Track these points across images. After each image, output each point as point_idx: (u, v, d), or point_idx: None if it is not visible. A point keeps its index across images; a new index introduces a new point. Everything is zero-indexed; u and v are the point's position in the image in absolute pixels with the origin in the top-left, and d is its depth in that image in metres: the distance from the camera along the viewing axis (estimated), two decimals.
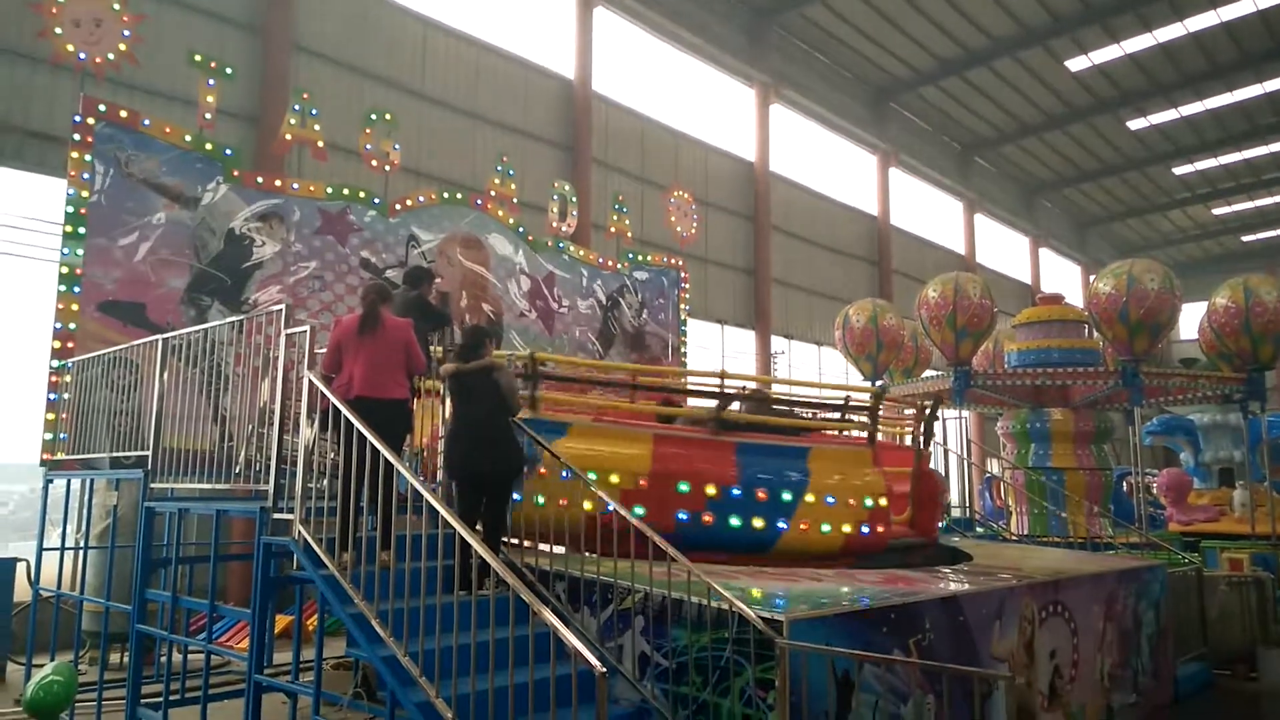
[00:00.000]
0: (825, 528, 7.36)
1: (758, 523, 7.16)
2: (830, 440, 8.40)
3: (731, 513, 7.11)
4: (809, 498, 7.35)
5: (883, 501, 7.71)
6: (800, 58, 25.52)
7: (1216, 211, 39.63)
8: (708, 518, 7.03)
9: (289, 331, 5.72)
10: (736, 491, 7.16)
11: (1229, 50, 26.28)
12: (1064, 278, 40.63)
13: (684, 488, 7.03)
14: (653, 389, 9.19)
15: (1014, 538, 13.71)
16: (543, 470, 6.57)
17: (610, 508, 5.66)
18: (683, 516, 6.94)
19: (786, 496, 7.30)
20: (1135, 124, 31.15)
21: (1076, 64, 26.87)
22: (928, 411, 9.00)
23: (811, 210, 26.49)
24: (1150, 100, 29.38)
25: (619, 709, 5.11)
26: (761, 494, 7.21)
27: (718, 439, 7.48)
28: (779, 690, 4.44)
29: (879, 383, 16.52)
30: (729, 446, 7.44)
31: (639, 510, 6.37)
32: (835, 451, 7.97)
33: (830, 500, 7.41)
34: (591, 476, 6.21)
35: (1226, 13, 24.09)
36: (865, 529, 7.55)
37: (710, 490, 7.10)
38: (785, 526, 7.24)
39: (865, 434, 8.30)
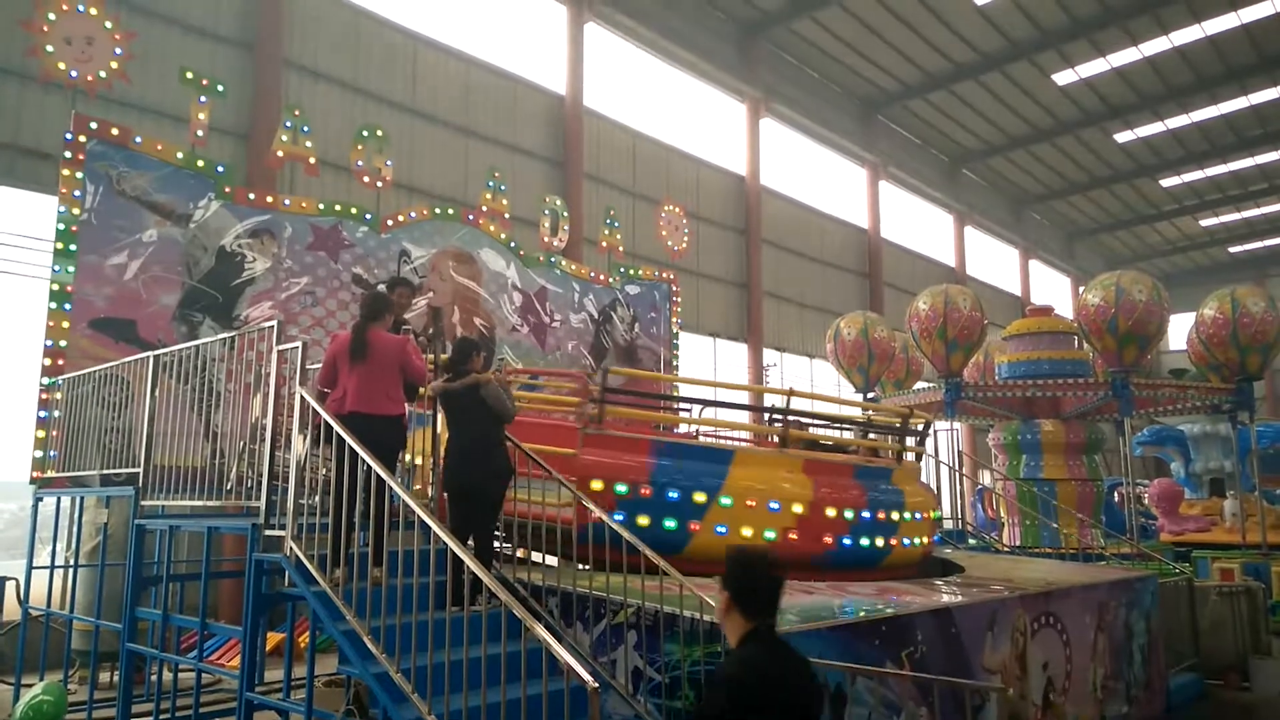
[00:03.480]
0: (745, 532, 7.09)
1: (669, 523, 6.94)
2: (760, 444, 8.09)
3: (641, 512, 6.89)
4: (723, 500, 7.07)
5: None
6: (790, 72, 25.70)
7: (1204, 223, 39.95)
8: (618, 517, 6.66)
9: (281, 348, 5.72)
10: (646, 491, 6.95)
11: (1213, 64, 26.58)
12: (1054, 289, 40.85)
13: (596, 485, 6.82)
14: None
15: (1006, 549, 13.73)
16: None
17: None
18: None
19: (699, 498, 7.06)
20: (1122, 137, 31.43)
21: (1063, 78, 27.14)
22: None
23: (802, 223, 26.61)
24: (1136, 113, 29.68)
25: None
26: (674, 495, 6.99)
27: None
28: None
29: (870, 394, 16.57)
30: (646, 446, 7.27)
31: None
32: (760, 456, 7.64)
33: (750, 504, 7.12)
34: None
35: (1211, 26, 24.40)
36: (793, 535, 7.22)
37: (621, 489, 6.89)
38: (695, 530, 6.99)
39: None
